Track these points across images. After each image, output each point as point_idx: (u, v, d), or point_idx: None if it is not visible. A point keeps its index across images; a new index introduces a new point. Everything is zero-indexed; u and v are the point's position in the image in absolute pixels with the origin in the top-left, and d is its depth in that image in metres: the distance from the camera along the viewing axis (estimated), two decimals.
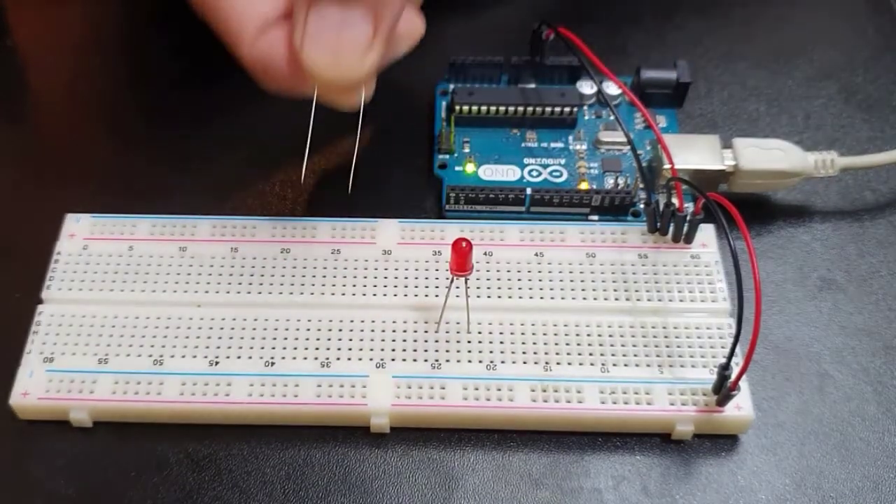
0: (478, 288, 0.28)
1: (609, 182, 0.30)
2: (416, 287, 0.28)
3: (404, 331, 0.27)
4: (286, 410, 0.26)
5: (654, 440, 0.26)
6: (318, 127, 0.33)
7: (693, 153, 0.29)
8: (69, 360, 0.26)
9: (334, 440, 0.26)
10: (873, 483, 0.25)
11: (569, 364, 0.26)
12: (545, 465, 0.26)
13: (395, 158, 0.32)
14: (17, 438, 0.26)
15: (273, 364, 0.26)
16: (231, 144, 0.32)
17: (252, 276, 0.28)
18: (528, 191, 0.30)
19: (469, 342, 0.27)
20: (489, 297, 0.28)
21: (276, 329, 0.27)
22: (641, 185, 0.30)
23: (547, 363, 0.26)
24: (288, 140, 0.32)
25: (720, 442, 0.26)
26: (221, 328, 0.27)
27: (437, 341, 0.27)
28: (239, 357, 0.26)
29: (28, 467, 0.25)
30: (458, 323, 0.27)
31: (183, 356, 0.26)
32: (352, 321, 0.27)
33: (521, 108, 0.31)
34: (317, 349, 0.27)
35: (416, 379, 0.26)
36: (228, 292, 0.28)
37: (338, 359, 0.26)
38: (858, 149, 0.32)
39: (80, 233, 0.29)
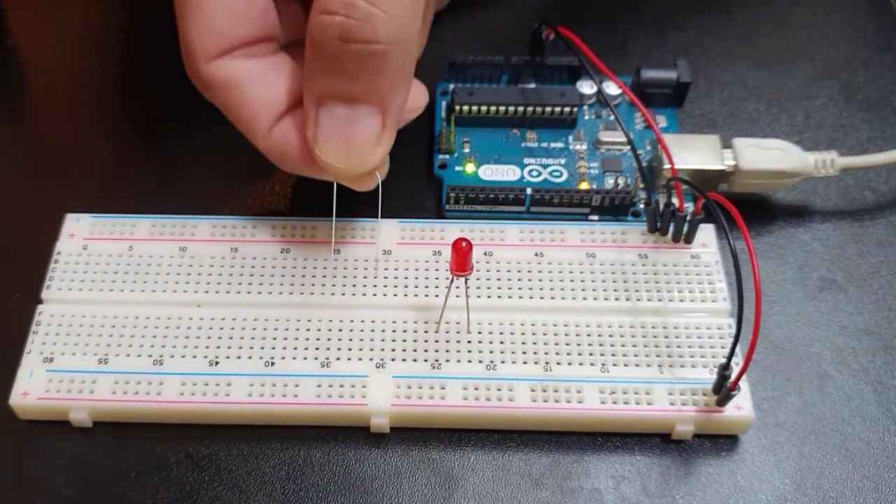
0: (478, 288, 0.28)
1: (609, 182, 0.30)
2: (416, 287, 0.28)
3: (404, 331, 0.27)
4: (286, 410, 0.26)
5: (654, 440, 0.26)
6: None
7: (693, 153, 0.29)
8: (69, 360, 0.26)
9: (334, 440, 0.26)
10: (873, 483, 0.25)
11: (569, 364, 0.26)
12: (545, 465, 0.26)
13: (395, 158, 0.32)
14: (17, 438, 0.26)
15: (273, 364, 0.26)
16: (231, 144, 0.32)
17: (252, 276, 0.28)
18: (528, 191, 0.30)
19: (469, 342, 0.27)
20: (489, 297, 0.28)
21: (276, 329, 0.27)
22: (641, 185, 0.30)
23: (547, 363, 0.26)
24: None
25: (720, 442, 0.26)
26: (221, 328, 0.27)
27: (437, 341, 0.27)
28: (239, 357, 0.26)
29: (28, 467, 0.25)
30: (458, 323, 0.27)
31: (183, 356, 0.26)
32: (352, 321, 0.27)
33: (521, 108, 0.31)
34: (317, 349, 0.27)
35: (416, 379, 0.26)
36: (228, 292, 0.28)
37: (338, 359, 0.26)
38: (858, 149, 0.32)
39: (80, 233, 0.29)
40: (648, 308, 0.27)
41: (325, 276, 0.28)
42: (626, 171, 0.31)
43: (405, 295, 0.28)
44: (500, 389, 0.26)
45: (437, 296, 0.27)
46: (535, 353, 0.26)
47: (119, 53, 0.35)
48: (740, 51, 0.35)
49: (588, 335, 0.27)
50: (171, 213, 0.29)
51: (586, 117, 0.32)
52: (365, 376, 0.26)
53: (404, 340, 0.27)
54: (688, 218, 0.28)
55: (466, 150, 0.31)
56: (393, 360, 0.26)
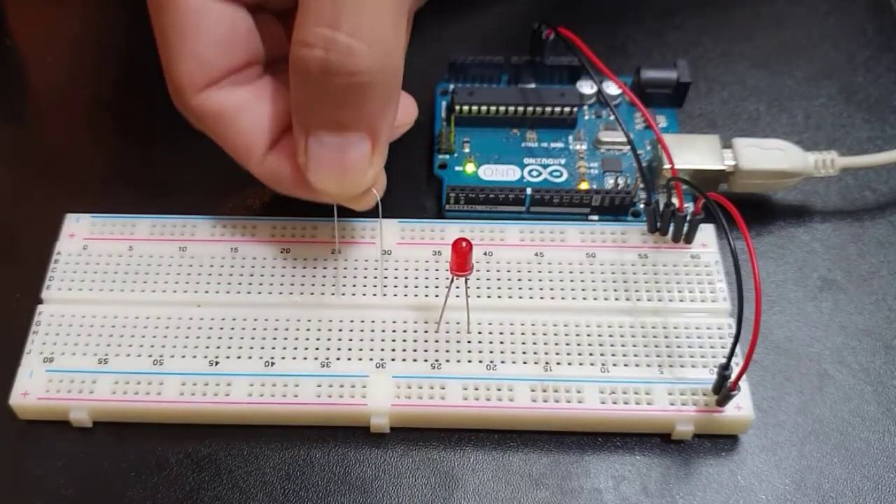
0: (478, 288, 0.28)
1: (609, 182, 0.30)
2: (416, 287, 0.28)
3: (404, 331, 0.27)
4: (286, 410, 0.26)
5: (654, 440, 0.26)
6: None
7: (693, 153, 0.29)
8: (69, 360, 0.26)
9: (334, 440, 0.26)
10: (873, 483, 0.25)
11: (569, 364, 0.26)
12: (545, 465, 0.26)
13: (395, 158, 0.32)
14: (17, 438, 0.26)
15: (273, 364, 0.26)
16: None
17: (252, 276, 0.28)
18: (528, 191, 0.30)
19: (469, 342, 0.27)
20: (489, 297, 0.28)
21: (276, 329, 0.27)
22: (641, 185, 0.30)
23: (547, 363, 0.26)
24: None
25: (720, 442, 0.26)
26: (221, 328, 0.27)
27: (437, 341, 0.27)
28: (239, 357, 0.26)
29: (28, 467, 0.25)
30: (458, 323, 0.27)
31: (183, 356, 0.26)
32: (352, 321, 0.27)
33: (521, 108, 0.31)
34: (317, 349, 0.27)
35: (416, 379, 0.26)
36: (228, 292, 0.28)
37: (338, 359, 0.26)
38: (858, 149, 0.32)
39: (80, 233, 0.29)
40: (648, 308, 0.27)
41: (325, 276, 0.28)
42: (626, 171, 0.31)
43: (405, 295, 0.28)
44: (500, 389, 0.26)
45: (437, 296, 0.27)
46: (535, 353, 0.26)
47: (119, 53, 0.35)
48: (740, 51, 0.35)
49: (588, 335, 0.27)
50: (171, 213, 0.29)
51: (586, 117, 0.32)
52: (365, 376, 0.26)
53: (404, 340, 0.27)
54: (688, 218, 0.28)
55: (466, 150, 0.31)
56: (393, 360, 0.26)
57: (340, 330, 0.27)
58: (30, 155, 0.33)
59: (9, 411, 0.26)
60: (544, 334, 0.27)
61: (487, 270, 0.28)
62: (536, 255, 0.28)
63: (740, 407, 0.26)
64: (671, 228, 0.28)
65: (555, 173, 0.31)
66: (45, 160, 0.32)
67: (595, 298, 0.28)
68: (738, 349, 0.25)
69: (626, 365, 0.26)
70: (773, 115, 0.34)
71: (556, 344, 0.27)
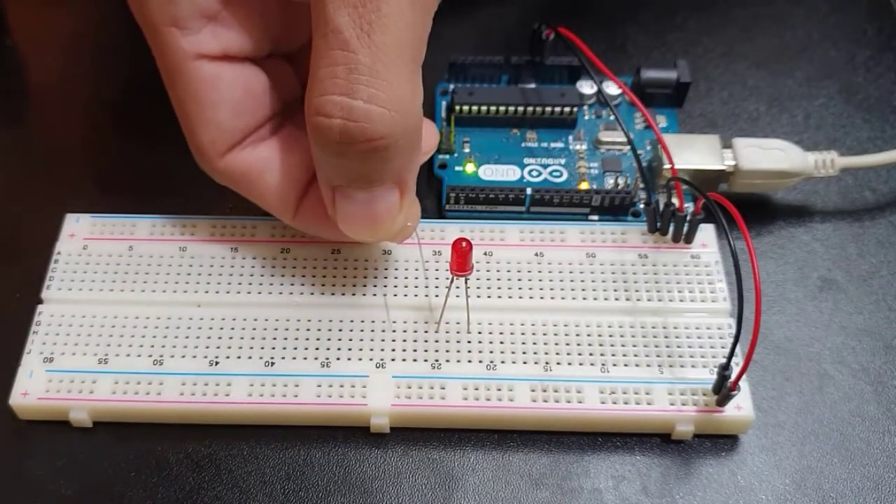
0: (478, 288, 0.28)
1: (609, 182, 0.30)
2: (416, 287, 0.28)
3: (404, 331, 0.27)
4: (286, 410, 0.26)
5: (654, 440, 0.26)
6: None
7: (693, 153, 0.29)
8: (69, 360, 0.26)
9: (334, 440, 0.26)
10: (873, 483, 0.25)
11: (569, 364, 0.26)
12: (545, 465, 0.26)
13: None
14: (17, 438, 0.26)
15: (273, 364, 0.26)
16: None
17: (252, 276, 0.28)
18: (529, 191, 0.30)
19: (469, 342, 0.27)
20: (489, 297, 0.28)
21: (276, 329, 0.27)
22: (641, 185, 0.30)
23: (547, 363, 0.26)
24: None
25: (720, 442, 0.26)
26: (221, 328, 0.27)
27: (437, 341, 0.27)
28: (239, 357, 0.26)
29: (28, 467, 0.25)
30: (458, 323, 0.27)
31: (183, 356, 0.26)
32: (352, 321, 0.27)
33: (521, 108, 0.31)
34: (317, 349, 0.27)
35: (416, 379, 0.26)
36: (228, 292, 0.28)
37: (338, 359, 0.26)
38: (858, 149, 0.32)
39: (80, 233, 0.29)
40: (648, 308, 0.27)
41: (325, 276, 0.28)
42: (626, 171, 0.31)
43: (405, 295, 0.28)
44: (500, 389, 0.26)
45: (437, 296, 0.27)
46: (535, 353, 0.26)
47: (119, 53, 0.35)
48: (740, 51, 0.35)
49: (588, 335, 0.27)
50: (171, 213, 0.29)
51: (586, 117, 0.32)
52: (365, 376, 0.26)
53: (404, 340, 0.27)
54: (688, 218, 0.28)
55: (466, 150, 0.31)
56: (393, 360, 0.26)
57: (340, 330, 0.27)
58: (30, 155, 0.33)
59: (9, 411, 0.26)
60: (544, 334, 0.27)
61: (487, 270, 0.28)
62: (536, 255, 0.28)
63: (740, 407, 0.26)
64: (671, 228, 0.28)
65: (555, 173, 0.31)
66: (45, 160, 0.32)
67: (595, 298, 0.28)
68: (738, 349, 0.25)
69: (626, 365, 0.26)
70: (773, 115, 0.34)
71: (556, 344, 0.27)
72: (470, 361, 0.26)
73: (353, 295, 0.28)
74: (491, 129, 0.32)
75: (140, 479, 0.25)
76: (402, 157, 0.24)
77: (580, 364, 0.26)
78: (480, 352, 0.27)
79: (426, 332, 0.27)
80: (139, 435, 0.26)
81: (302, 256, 0.28)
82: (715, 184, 0.30)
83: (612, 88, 0.32)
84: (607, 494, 0.25)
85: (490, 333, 0.27)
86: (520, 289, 0.28)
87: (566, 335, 0.27)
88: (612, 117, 0.32)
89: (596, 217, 0.30)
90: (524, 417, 0.26)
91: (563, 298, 0.28)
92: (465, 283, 0.26)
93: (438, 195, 0.31)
